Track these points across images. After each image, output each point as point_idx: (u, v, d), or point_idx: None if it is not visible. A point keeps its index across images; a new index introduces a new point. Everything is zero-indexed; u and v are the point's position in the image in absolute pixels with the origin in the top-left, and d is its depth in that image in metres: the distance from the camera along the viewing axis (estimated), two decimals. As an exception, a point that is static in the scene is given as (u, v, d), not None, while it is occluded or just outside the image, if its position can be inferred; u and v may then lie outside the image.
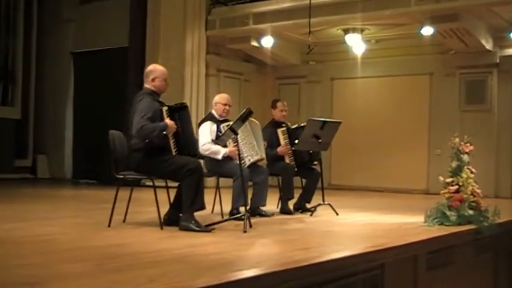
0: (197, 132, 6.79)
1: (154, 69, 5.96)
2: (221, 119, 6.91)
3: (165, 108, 5.68)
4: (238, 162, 6.13)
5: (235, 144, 6.35)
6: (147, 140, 5.58)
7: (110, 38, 13.28)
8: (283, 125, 7.80)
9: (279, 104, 7.87)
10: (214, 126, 6.80)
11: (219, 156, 6.65)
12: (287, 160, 7.63)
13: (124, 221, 5.99)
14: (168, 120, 5.61)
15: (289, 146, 7.63)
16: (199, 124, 6.98)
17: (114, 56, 13.13)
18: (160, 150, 5.63)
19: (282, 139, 7.68)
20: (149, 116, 5.57)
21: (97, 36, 13.60)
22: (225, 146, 6.63)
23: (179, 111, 5.77)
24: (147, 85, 5.89)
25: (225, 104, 6.97)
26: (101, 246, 4.69)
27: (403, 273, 4.93)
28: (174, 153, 5.66)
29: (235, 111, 7.14)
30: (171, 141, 5.66)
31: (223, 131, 6.47)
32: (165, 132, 5.56)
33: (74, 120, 14.39)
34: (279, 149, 7.61)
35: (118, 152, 5.81)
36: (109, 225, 5.65)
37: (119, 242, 4.90)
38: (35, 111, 14.38)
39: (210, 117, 7.00)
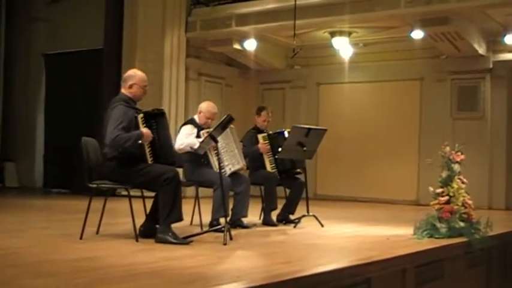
0: (175, 138, 6.84)
1: (134, 75, 5.93)
2: (203, 126, 6.94)
3: (140, 116, 5.66)
4: (218, 170, 6.13)
5: (216, 151, 6.36)
6: (120, 149, 5.57)
7: (84, 39, 13.22)
8: (264, 131, 7.84)
9: (263, 113, 7.88)
10: (195, 131, 6.85)
11: (196, 147, 6.58)
12: (268, 167, 7.65)
13: (97, 232, 5.96)
14: (144, 129, 5.60)
15: (268, 147, 7.67)
16: (181, 127, 7.07)
17: (89, 58, 13.07)
18: (135, 158, 5.62)
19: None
20: (124, 125, 5.56)
21: (70, 36, 13.54)
22: (204, 154, 6.64)
23: (156, 118, 5.76)
24: (124, 91, 5.87)
25: (208, 118, 7.00)
26: (72, 259, 4.66)
27: (390, 288, 4.96)
28: (150, 161, 5.65)
29: (217, 117, 7.16)
30: (147, 149, 5.64)
31: (202, 137, 6.49)
32: (140, 142, 5.55)
33: (45, 126, 14.29)
34: (260, 145, 7.64)
35: (91, 159, 5.79)
36: (81, 237, 5.62)
37: (91, 255, 4.88)
38: (3, 116, 14.27)
39: (191, 121, 7.07)
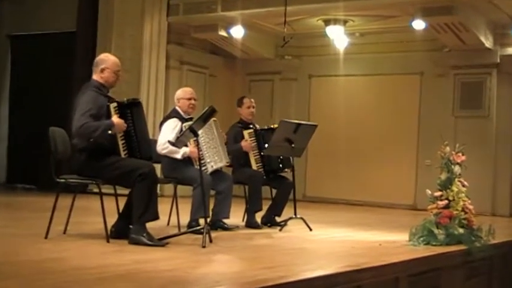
0: (154, 133, 6.80)
1: (106, 59, 5.94)
2: (186, 116, 6.91)
3: (113, 105, 5.65)
4: (198, 167, 6.13)
5: (197, 145, 6.35)
6: (91, 139, 5.55)
7: (55, 20, 13.14)
8: (251, 126, 7.83)
9: (245, 100, 7.90)
10: (179, 125, 6.81)
11: (179, 156, 6.63)
12: (253, 165, 7.65)
13: (64, 232, 5.95)
14: (115, 118, 5.58)
15: (254, 144, 7.66)
16: (162, 122, 7.01)
17: (59, 42, 13.01)
18: (107, 151, 5.60)
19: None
20: (93, 112, 5.54)
21: (39, 17, 13.43)
22: (185, 146, 6.64)
23: (131, 108, 5.76)
24: (95, 77, 5.87)
25: (190, 99, 7.00)
26: (35, 260, 4.65)
27: (382, 298, 4.99)
28: (123, 155, 5.64)
29: (198, 110, 7.16)
30: (120, 142, 5.63)
31: (183, 129, 6.48)
32: (110, 132, 5.53)
33: (9, 115, 14.18)
34: (243, 143, 7.60)
35: (59, 151, 5.77)
36: (46, 237, 5.60)
37: (56, 256, 4.88)
38: (-38, 105, 14.17)
39: (174, 114, 7.00)
